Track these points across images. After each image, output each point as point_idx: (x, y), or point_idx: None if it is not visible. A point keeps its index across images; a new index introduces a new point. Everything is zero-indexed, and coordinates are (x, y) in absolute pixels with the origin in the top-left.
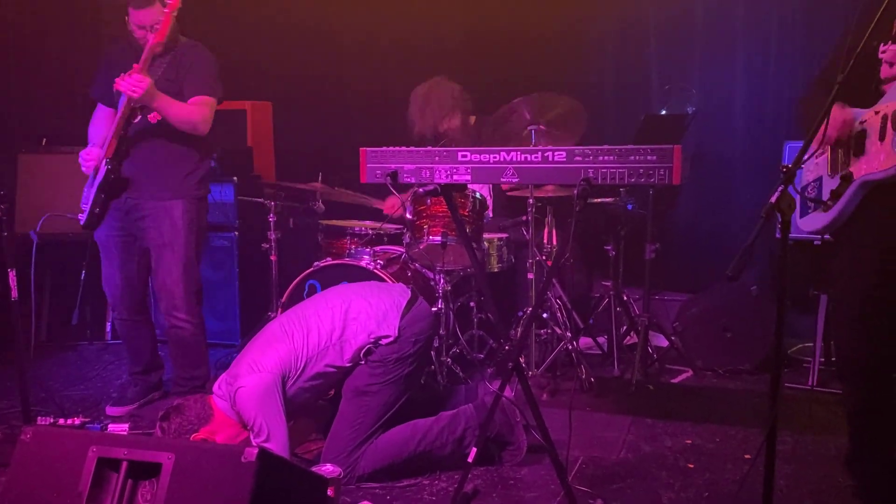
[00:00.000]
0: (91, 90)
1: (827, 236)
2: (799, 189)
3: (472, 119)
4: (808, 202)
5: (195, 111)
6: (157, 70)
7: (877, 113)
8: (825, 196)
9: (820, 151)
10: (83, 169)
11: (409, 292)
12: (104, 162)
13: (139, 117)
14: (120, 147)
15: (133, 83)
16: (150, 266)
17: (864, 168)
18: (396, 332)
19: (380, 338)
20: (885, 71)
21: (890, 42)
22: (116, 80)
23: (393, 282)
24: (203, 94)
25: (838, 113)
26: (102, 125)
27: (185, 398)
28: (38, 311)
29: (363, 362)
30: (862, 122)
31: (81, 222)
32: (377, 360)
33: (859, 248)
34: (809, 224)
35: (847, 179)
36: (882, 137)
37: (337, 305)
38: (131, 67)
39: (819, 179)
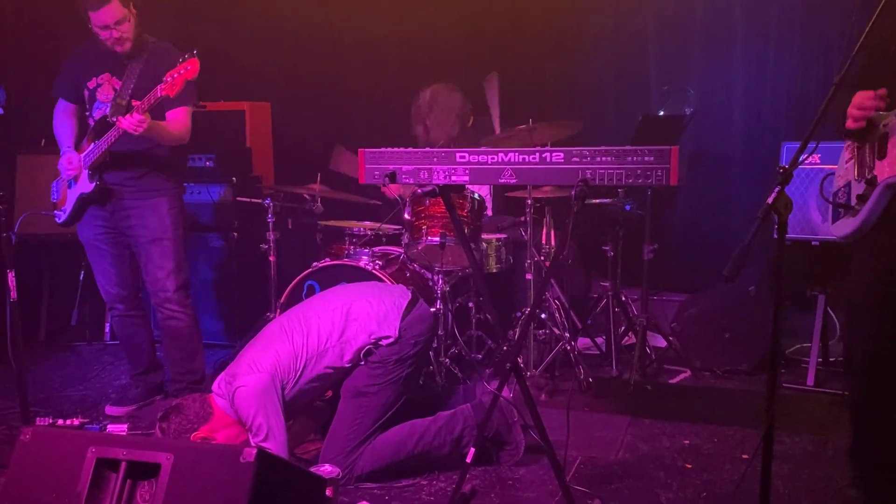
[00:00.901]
0: (54, 87)
1: (827, 238)
2: (830, 196)
3: (471, 120)
4: (838, 208)
5: (179, 130)
6: (131, 78)
7: None
8: (853, 201)
9: (848, 156)
10: (64, 176)
11: (410, 293)
12: (87, 175)
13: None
14: (104, 159)
15: (135, 123)
16: (137, 263)
17: (888, 171)
18: (397, 332)
19: (380, 338)
20: None
21: None
22: (119, 119)
23: (392, 282)
24: (182, 106)
25: (861, 94)
26: (67, 123)
27: (185, 398)
28: (36, 312)
29: (363, 363)
30: (885, 126)
31: (60, 220)
32: (377, 361)
33: (878, 249)
34: (841, 229)
35: (872, 183)
36: None
37: (337, 307)
38: (99, 67)
39: (849, 185)
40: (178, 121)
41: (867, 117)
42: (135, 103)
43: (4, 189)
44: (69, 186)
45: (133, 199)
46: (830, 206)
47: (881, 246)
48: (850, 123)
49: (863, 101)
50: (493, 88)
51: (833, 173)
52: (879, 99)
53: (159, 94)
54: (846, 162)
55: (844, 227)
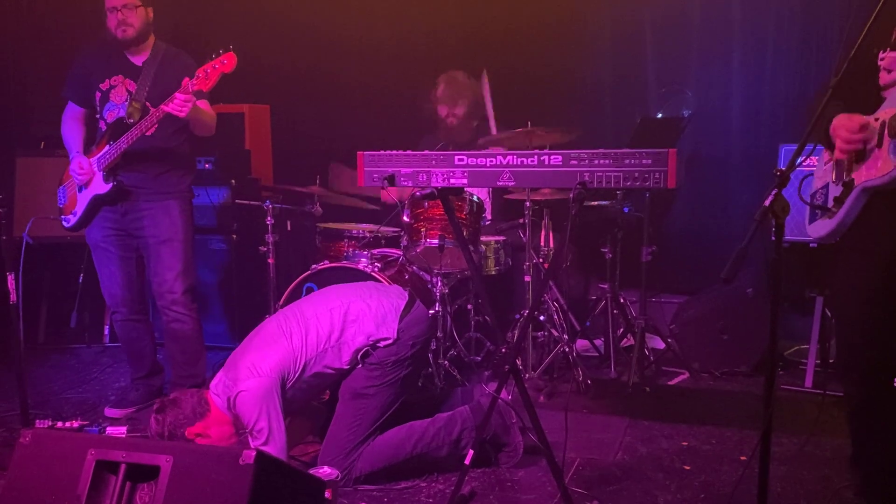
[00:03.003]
0: (64, 90)
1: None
2: (808, 197)
3: (475, 124)
4: (814, 209)
5: (212, 118)
6: (146, 81)
7: (876, 120)
8: (830, 203)
9: (827, 158)
10: (77, 181)
11: (407, 295)
12: (101, 176)
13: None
14: (119, 160)
15: (181, 103)
16: (144, 265)
17: (864, 175)
18: (395, 334)
19: (378, 340)
20: (883, 77)
21: (889, 49)
22: (163, 106)
23: (390, 284)
24: (205, 99)
25: (846, 125)
26: (76, 128)
27: (182, 392)
28: (35, 315)
29: (361, 365)
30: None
31: (68, 224)
32: (375, 363)
33: (860, 252)
34: (816, 230)
35: (849, 186)
36: (880, 144)
37: (336, 307)
38: (111, 68)
39: (826, 186)
40: (209, 111)
41: (856, 150)
42: (185, 81)
43: (4, 192)
44: (79, 191)
45: (146, 201)
46: (808, 208)
47: (863, 249)
48: (837, 154)
49: (850, 135)
50: (485, 87)
51: (811, 174)
52: (863, 130)
53: (194, 88)
54: (825, 164)
55: (821, 228)
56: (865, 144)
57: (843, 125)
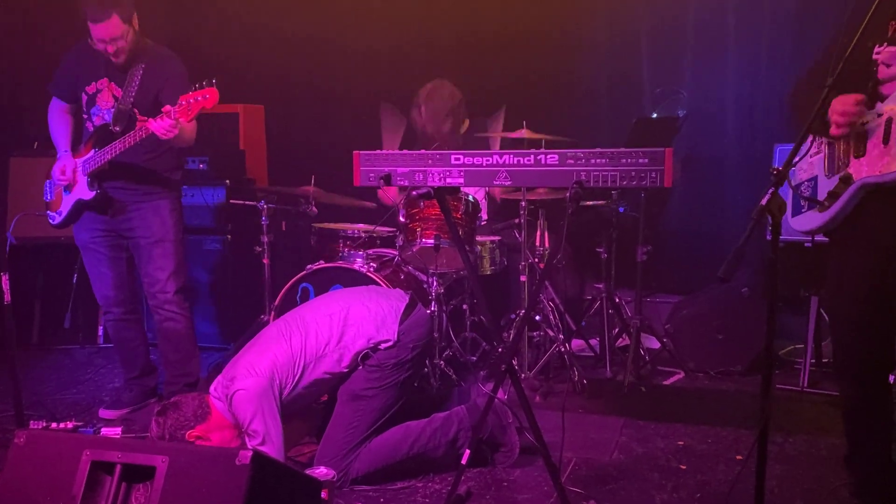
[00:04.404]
0: (51, 85)
1: (820, 237)
2: (793, 187)
3: (466, 124)
4: (803, 201)
5: (193, 133)
6: (132, 87)
7: (880, 115)
8: (821, 196)
9: (815, 150)
10: (57, 183)
11: (408, 297)
12: (86, 182)
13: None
14: (104, 167)
15: (167, 127)
16: (135, 264)
17: (866, 170)
18: (396, 336)
19: (379, 343)
20: (882, 72)
21: (885, 44)
22: (150, 122)
23: (387, 285)
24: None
25: (842, 100)
26: (63, 122)
27: (183, 395)
28: (29, 315)
29: (361, 367)
30: (864, 123)
31: (54, 222)
32: (374, 365)
33: (855, 250)
34: (803, 223)
35: (846, 181)
36: (886, 140)
37: (336, 312)
38: (98, 71)
39: (814, 179)
40: (192, 127)
41: (851, 123)
42: (165, 109)
43: None
44: (65, 192)
45: (135, 202)
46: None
47: (858, 246)
48: (834, 130)
49: (845, 107)
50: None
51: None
52: (859, 104)
53: (174, 117)
54: (812, 156)
55: (808, 221)
56: (859, 118)
57: (839, 100)
